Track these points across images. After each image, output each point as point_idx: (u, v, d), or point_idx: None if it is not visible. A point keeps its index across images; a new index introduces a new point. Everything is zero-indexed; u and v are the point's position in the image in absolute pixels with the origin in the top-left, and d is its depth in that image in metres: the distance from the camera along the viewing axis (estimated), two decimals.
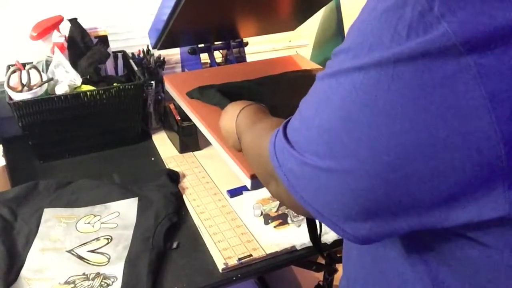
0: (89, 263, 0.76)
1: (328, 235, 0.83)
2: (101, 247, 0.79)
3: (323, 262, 1.05)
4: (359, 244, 0.40)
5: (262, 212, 0.88)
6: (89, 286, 0.72)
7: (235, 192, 0.94)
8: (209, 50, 1.19)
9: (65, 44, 1.08)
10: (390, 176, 0.33)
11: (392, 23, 0.31)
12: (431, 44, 0.30)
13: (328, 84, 0.37)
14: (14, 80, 0.98)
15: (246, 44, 1.24)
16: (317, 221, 0.72)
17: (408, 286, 0.44)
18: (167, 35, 1.01)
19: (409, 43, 0.30)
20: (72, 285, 0.72)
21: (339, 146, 0.35)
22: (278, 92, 0.97)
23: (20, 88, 0.98)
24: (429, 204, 0.34)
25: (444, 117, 0.30)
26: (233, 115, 0.69)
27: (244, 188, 0.94)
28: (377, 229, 0.37)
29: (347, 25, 1.32)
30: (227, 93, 0.92)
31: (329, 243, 0.83)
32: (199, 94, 0.94)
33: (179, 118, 1.07)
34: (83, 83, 1.04)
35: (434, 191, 0.33)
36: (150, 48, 1.20)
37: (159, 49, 1.10)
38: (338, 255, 0.94)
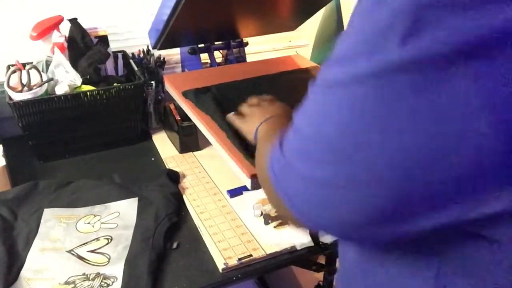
0: (89, 263, 0.76)
1: (328, 235, 0.83)
2: (101, 247, 0.79)
3: (323, 262, 1.05)
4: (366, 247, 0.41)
5: (262, 212, 0.88)
6: (89, 286, 0.72)
7: (235, 192, 0.94)
8: (209, 50, 1.19)
9: (65, 44, 1.08)
10: (394, 185, 0.34)
11: (384, 31, 0.32)
12: (424, 51, 0.30)
13: (323, 95, 0.37)
14: (14, 80, 0.98)
15: (246, 44, 1.24)
16: None
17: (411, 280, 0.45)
18: (167, 35, 1.01)
19: (402, 52, 0.31)
20: (72, 285, 0.72)
21: (340, 157, 0.35)
22: (275, 91, 0.97)
23: (20, 88, 0.98)
24: (434, 204, 0.34)
25: (443, 123, 0.31)
26: (257, 120, 0.72)
27: (244, 188, 0.94)
28: (383, 234, 0.38)
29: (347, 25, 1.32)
30: (223, 96, 0.92)
31: (329, 243, 0.83)
32: (195, 98, 0.93)
33: (179, 118, 1.07)
34: (83, 83, 1.04)
35: (437, 191, 0.33)
36: (150, 48, 1.20)
37: (159, 49, 1.10)
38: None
